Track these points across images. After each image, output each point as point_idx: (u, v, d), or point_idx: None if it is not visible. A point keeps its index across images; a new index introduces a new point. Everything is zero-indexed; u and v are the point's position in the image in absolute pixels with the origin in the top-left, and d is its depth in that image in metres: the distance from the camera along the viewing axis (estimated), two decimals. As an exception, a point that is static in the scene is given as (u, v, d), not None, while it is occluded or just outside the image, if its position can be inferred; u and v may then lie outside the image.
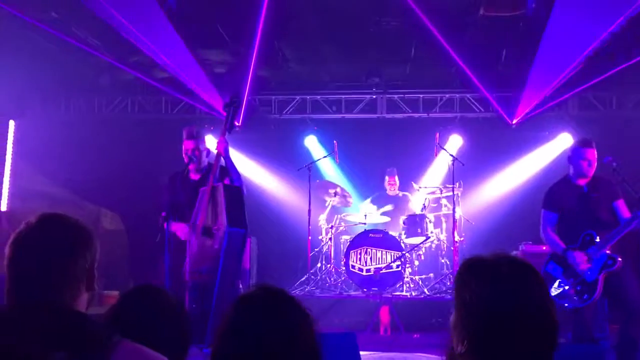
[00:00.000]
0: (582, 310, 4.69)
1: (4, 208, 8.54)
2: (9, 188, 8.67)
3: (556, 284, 4.80)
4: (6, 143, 8.75)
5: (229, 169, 5.17)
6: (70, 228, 1.75)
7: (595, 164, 4.83)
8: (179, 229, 5.11)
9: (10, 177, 8.71)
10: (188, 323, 2.05)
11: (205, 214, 4.92)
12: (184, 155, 5.38)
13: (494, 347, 1.38)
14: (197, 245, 4.91)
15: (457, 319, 1.47)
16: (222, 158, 5.16)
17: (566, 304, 4.72)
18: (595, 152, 4.84)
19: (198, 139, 5.44)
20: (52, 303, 1.63)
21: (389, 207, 8.33)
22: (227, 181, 5.10)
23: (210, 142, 8.95)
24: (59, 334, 1.55)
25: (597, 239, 4.67)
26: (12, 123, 8.87)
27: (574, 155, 4.90)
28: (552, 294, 4.78)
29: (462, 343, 1.43)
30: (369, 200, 8.62)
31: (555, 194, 5.00)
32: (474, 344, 1.41)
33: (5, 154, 8.71)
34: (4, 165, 8.67)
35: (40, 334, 1.54)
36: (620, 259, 4.60)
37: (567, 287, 4.75)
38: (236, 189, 4.96)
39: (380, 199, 8.65)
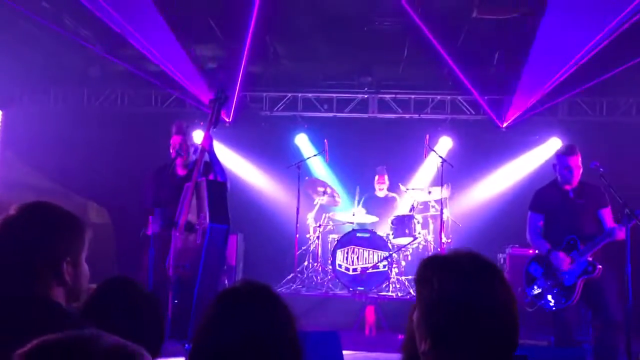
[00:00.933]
0: (562, 312, 4.76)
1: (-11, 198, 8.45)
2: (-5, 178, 8.59)
3: (535, 284, 4.89)
4: (-6, 133, 8.68)
5: (213, 165, 5.14)
6: (49, 217, 1.72)
7: (579, 170, 4.87)
8: (155, 223, 5.04)
9: (-4, 167, 8.64)
10: (162, 315, 2.02)
11: (188, 210, 4.89)
12: (171, 149, 5.35)
13: (456, 345, 1.38)
14: (181, 240, 4.88)
15: (419, 317, 1.46)
16: (206, 153, 5.13)
17: (543, 305, 4.80)
18: (579, 159, 4.87)
19: (187, 134, 5.42)
20: (26, 292, 1.61)
21: (374, 219, 8.30)
22: (211, 177, 5.07)
23: (199, 136, 8.93)
24: (30, 324, 1.53)
25: (580, 245, 4.73)
26: (-1, 113, 8.79)
27: (557, 163, 4.97)
28: (531, 294, 4.88)
29: (425, 341, 1.42)
30: (358, 203, 8.59)
31: (542, 197, 5.07)
32: (436, 341, 1.40)
33: (-8, 144, 8.64)
34: (-10, 155, 8.59)
35: (11, 324, 1.52)
36: (600, 267, 4.65)
37: (545, 288, 4.82)
38: (220, 184, 4.94)
39: (369, 201, 8.64)
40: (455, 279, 1.41)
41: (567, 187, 4.93)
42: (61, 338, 1.00)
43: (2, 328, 1.53)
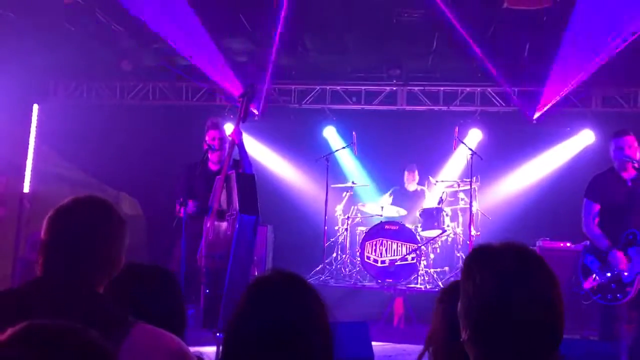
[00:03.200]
0: (613, 308, 4.61)
1: (26, 190, 8.68)
2: (31, 170, 8.81)
3: (591, 278, 4.72)
4: (30, 126, 8.88)
5: (242, 158, 5.21)
6: (111, 216, 1.80)
7: (636, 151, 4.67)
8: (189, 207, 5.16)
9: (32, 160, 8.85)
10: (180, 299, 2.05)
11: (219, 200, 4.98)
12: (205, 144, 5.43)
13: (494, 339, 1.39)
14: (213, 231, 4.97)
15: (461, 308, 1.47)
16: (235, 147, 5.21)
17: (599, 300, 4.64)
18: (635, 140, 4.71)
19: (222, 129, 5.52)
20: (77, 282, 1.67)
21: (402, 212, 8.31)
22: (239, 171, 5.16)
23: (229, 130, 9.00)
24: (77, 313, 1.59)
25: (639, 240, 4.57)
26: (35, 107, 8.99)
27: (614, 147, 4.78)
28: (587, 287, 4.69)
29: (465, 331, 1.44)
30: (388, 194, 8.61)
31: (600, 184, 4.86)
32: (475, 334, 1.42)
33: (28, 137, 8.84)
34: (27, 148, 8.80)
35: (60, 312, 1.58)
36: None
37: (602, 282, 4.65)
38: (249, 176, 5.01)
39: (399, 193, 8.64)
40: (497, 275, 1.41)
41: (626, 176, 4.75)
42: (47, 325, 1.04)
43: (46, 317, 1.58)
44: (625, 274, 4.56)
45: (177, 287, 2.07)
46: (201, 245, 5.03)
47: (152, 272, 2.04)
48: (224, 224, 4.95)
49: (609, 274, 4.63)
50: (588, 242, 4.91)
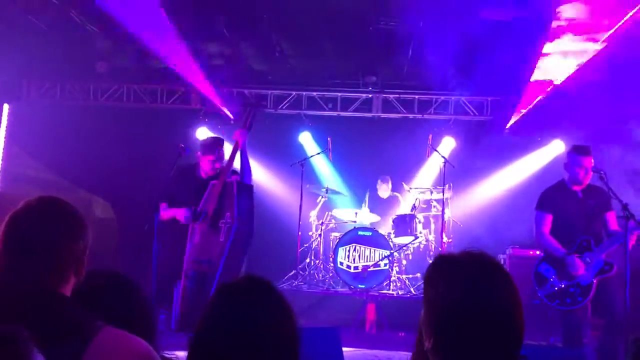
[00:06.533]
0: (573, 312, 4.75)
1: (-5, 191, 8.53)
2: (0, 171, 8.66)
3: (548, 285, 4.86)
4: (0, 126, 8.73)
5: (243, 167, 5.20)
6: (67, 214, 1.77)
7: (591, 172, 4.89)
8: (179, 213, 5.12)
9: (2, 161, 8.70)
10: (144, 304, 2.02)
11: (214, 207, 4.94)
12: (209, 169, 5.38)
13: (458, 346, 1.41)
14: (200, 236, 4.93)
15: (424, 316, 1.50)
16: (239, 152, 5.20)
17: (557, 305, 4.79)
18: (592, 160, 4.90)
19: (214, 151, 5.50)
20: (38, 284, 1.65)
21: (376, 218, 8.37)
22: (235, 177, 5.16)
23: (205, 134, 8.96)
24: (38, 316, 1.57)
25: (594, 246, 4.77)
26: (6, 107, 8.85)
27: (570, 162, 4.97)
28: (543, 295, 4.85)
29: (429, 340, 1.46)
30: (364, 205, 8.65)
31: (551, 196, 5.06)
32: (439, 341, 1.44)
33: (-2, 137, 8.70)
34: (-4, 148, 8.66)
35: (20, 315, 1.56)
36: (616, 266, 4.68)
37: (560, 288, 4.80)
38: (248, 187, 5.02)
39: (372, 199, 8.68)
40: (459, 282, 1.44)
41: (576, 188, 4.96)
42: None
43: (6, 319, 1.57)
44: (584, 276, 4.73)
45: (137, 292, 2.04)
46: (187, 249, 4.99)
47: (111, 279, 2.01)
48: (215, 231, 4.91)
49: (566, 280, 4.79)
50: (543, 253, 5.09)
